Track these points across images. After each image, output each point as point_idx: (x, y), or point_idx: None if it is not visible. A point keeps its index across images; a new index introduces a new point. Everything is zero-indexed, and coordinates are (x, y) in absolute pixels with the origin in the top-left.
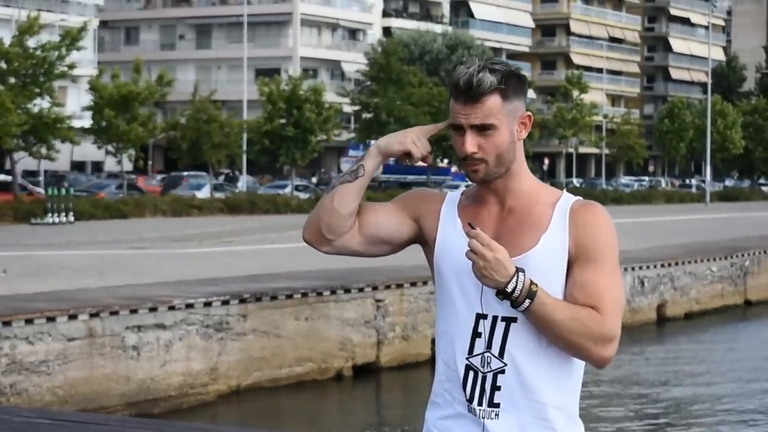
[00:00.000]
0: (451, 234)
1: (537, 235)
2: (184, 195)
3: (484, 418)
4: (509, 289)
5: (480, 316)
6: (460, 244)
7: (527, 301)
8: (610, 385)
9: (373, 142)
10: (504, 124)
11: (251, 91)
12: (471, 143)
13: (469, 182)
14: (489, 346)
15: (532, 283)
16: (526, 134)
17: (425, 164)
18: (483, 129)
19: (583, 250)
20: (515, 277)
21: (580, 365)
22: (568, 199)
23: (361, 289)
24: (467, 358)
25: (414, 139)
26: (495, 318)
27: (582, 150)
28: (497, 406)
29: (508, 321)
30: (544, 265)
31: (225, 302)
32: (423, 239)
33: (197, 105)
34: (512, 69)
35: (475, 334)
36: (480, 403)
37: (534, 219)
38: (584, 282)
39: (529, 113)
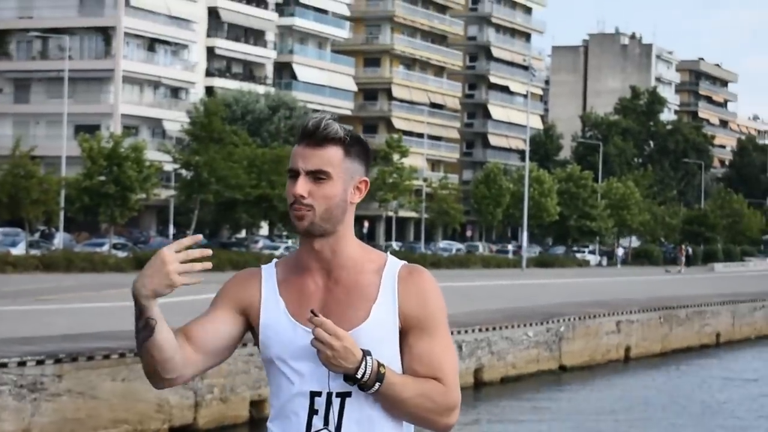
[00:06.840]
0: (273, 317)
1: (367, 307)
2: None
3: None
4: (359, 375)
5: (314, 394)
6: (285, 326)
7: (377, 384)
8: None
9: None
10: (339, 178)
11: (71, 148)
12: (302, 187)
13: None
14: (326, 422)
15: (380, 365)
16: (360, 199)
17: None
18: (317, 176)
19: (416, 321)
20: (363, 362)
21: (409, 427)
22: (394, 264)
23: None
24: None
25: (178, 270)
26: (330, 395)
27: (401, 213)
28: None
29: (343, 396)
30: (375, 337)
31: (40, 362)
32: (250, 325)
33: (16, 160)
34: (360, 135)
35: (312, 412)
36: None
37: (362, 290)
38: (422, 353)
39: (366, 179)
